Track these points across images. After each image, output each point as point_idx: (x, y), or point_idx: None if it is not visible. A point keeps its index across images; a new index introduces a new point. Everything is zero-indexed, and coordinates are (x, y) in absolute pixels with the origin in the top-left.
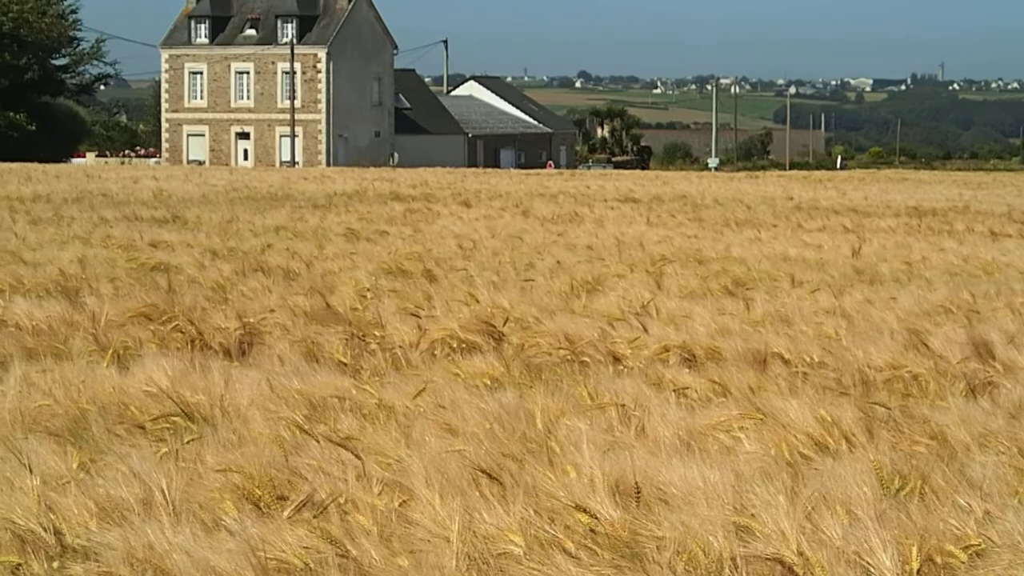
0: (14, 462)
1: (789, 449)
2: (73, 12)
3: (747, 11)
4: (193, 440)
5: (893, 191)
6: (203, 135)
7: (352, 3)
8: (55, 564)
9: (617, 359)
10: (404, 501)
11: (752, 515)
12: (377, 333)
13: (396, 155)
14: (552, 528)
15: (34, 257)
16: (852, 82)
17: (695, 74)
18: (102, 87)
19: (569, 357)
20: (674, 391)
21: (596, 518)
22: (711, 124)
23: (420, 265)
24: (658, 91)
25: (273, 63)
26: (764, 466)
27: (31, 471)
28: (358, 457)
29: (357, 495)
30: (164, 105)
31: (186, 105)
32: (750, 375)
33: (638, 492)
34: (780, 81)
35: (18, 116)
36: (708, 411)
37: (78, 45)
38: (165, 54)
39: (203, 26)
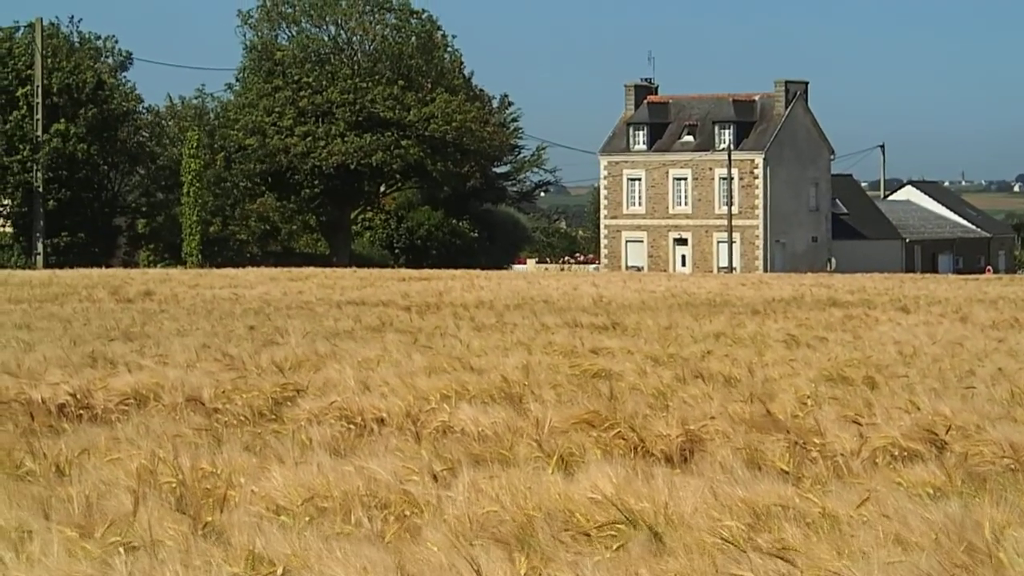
0: (464, 568)
1: None
2: (514, 120)
3: None
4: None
5: None
6: (641, 241)
7: (789, 109)
8: None
9: None
10: None
11: None
12: (818, 441)
13: (833, 260)
14: None
15: (479, 363)
16: None
17: None
18: (542, 194)
19: (1013, 466)
20: None
21: None
22: None
23: (860, 372)
24: None
25: (710, 169)
26: None
27: None
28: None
29: None
30: (603, 211)
31: (624, 211)
32: None
33: None
34: None
35: (461, 223)
36: None
37: (519, 153)
38: (604, 161)
39: (641, 133)
